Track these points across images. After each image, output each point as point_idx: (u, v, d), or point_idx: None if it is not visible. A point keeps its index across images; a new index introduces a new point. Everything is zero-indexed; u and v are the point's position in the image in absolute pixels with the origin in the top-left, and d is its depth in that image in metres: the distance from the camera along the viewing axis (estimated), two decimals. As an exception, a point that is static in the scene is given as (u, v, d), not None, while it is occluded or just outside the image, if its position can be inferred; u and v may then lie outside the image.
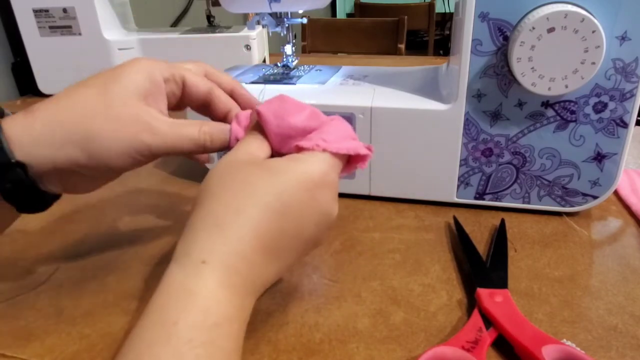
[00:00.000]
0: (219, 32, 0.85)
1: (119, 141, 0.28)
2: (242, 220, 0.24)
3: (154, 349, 0.21)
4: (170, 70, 0.31)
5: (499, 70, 0.38)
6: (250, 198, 0.25)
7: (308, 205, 0.26)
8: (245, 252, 0.24)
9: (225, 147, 0.31)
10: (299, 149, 0.28)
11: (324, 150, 0.28)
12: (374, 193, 0.46)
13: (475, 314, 0.30)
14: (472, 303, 0.32)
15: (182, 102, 0.33)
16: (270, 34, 0.73)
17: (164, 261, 0.38)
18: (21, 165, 0.27)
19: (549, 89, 0.36)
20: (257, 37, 0.84)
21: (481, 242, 0.39)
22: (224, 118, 0.34)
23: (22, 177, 0.27)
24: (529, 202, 0.42)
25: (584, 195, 0.41)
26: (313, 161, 0.27)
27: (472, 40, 0.37)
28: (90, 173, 0.29)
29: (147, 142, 0.28)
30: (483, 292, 0.31)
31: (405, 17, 1.63)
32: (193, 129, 0.30)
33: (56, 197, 0.31)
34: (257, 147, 0.29)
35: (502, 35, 0.37)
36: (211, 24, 0.91)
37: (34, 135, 0.27)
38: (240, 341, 0.24)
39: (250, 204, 0.25)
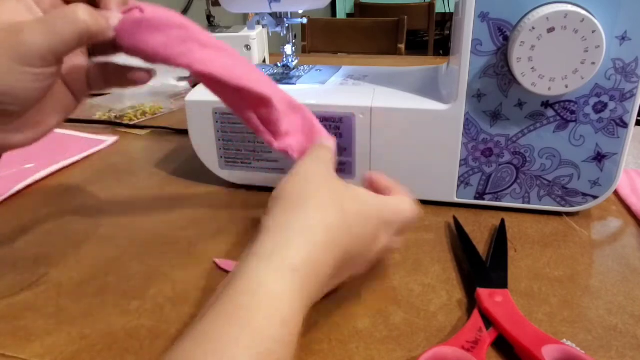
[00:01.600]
0: (219, 32, 0.85)
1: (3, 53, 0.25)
2: (330, 229, 0.26)
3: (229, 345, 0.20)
4: None
5: (499, 70, 0.38)
6: (336, 210, 0.27)
7: (373, 239, 0.30)
8: (328, 262, 0.26)
9: (109, 31, 0.29)
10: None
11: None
12: (374, 193, 0.46)
13: (475, 314, 0.30)
14: (472, 303, 0.32)
15: None
16: (270, 34, 0.73)
17: (164, 261, 0.38)
18: None
19: (549, 89, 0.36)
20: (257, 37, 0.84)
21: (481, 242, 0.39)
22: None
23: None
24: (529, 202, 0.42)
25: (584, 195, 0.41)
26: (392, 206, 0.32)
27: (472, 40, 0.37)
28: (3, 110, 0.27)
29: (18, 41, 0.25)
30: (483, 292, 0.31)
31: (405, 17, 1.63)
32: (64, 10, 0.27)
33: None
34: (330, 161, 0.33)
35: (502, 35, 0.37)
36: (211, 24, 0.91)
37: None
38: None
39: (339, 217, 0.27)
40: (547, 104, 0.38)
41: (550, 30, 0.34)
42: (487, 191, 0.43)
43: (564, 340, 0.28)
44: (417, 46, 2.91)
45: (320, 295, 0.26)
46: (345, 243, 0.27)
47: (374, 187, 0.34)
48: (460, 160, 0.42)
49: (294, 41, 0.54)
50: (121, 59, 0.32)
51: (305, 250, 0.25)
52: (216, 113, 0.46)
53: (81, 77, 0.32)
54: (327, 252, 0.26)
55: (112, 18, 0.29)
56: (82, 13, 0.27)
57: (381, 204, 0.31)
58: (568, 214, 0.43)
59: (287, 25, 0.52)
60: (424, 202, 0.45)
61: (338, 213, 0.27)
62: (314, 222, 0.26)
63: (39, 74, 0.26)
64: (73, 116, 0.31)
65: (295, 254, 0.24)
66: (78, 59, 0.32)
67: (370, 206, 0.30)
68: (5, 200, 0.48)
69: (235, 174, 0.49)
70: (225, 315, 0.22)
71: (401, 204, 0.32)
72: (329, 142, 0.35)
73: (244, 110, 0.33)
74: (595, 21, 0.33)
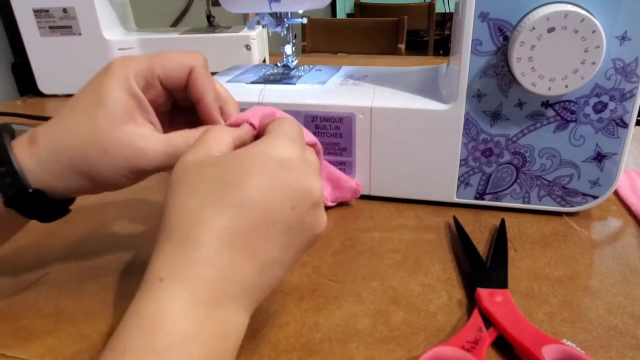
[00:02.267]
0: (219, 32, 0.85)
1: (116, 170, 0.29)
2: (196, 226, 0.23)
3: None
4: (143, 71, 0.30)
5: (499, 70, 0.38)
6: (201, 199, 0.23)
7: (271, 189, 0.24)
8: (208, 258, 0.22)
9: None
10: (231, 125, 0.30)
11: (250, 123, 0.29)
12: (374, 193, 0.46)
13: (475, 314, 0.30)
14: (472, 303, 0.32)
15: (169, 97, 0.32)
16: (270, 34, 0.73)
17: (164, 261, 0.38)
18: (39, 192, 0.28)
19: (549, 89, 0.36)
20: (257, 37, 0.84)
21: (481, 242, 0.39)
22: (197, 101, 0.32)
23: (43, 202, 0.29)
24: (529, 202, 0.42)
25: (584, 195, 0.41)
26: (267, 142, 0.25)
27: (472, 40, 0.37)
28: (101, 192, 0.31)
29: (142, 166, 0.29)
30: (483, 292, 0.31)
31: (405, 17, 1.63)
32: (182, 139, 0.30)
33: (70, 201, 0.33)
34: (212, 141, 0.27)
35: (502, 35, 0.37)
36: (211, 24, 0.91)
37: (42, 165, 0.28)
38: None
39: (201, 206, 0.23)
40: (547, 104, 0.38)
41: (550, 30, 0.34)
42: (487, 191, 0.43)
43: (564, 340, 0.28)
44: (417, 46, 2.91)
45: (241, 285, 0.23)
46: (224, 224, 0.23)
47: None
48: (460, 160, 0.42)
49: (294, 41, 0.54)
50: None
51: (169, 258, 0.22)
52: (216, 113, 0.46)
53: None
54: (196, 247, 0.22)
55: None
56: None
57: (253, 155, 0.25)
58: (568, 214, 0.43)
59: (287, 25, 0.52)
60: (424, 202, 0.45)
61: (198, 198, 0.23)
62: (170, 227, 0.23)
63: (148, 176, 0.30)
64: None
65: (160, 265, 0.22)
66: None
67: (240, 167, 0.24)
68: (5, 200, 0.48)
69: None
70: (106, 349, 0.21)
71: (272, 141, 0.26)
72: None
73: None
74: (595, 21, 0.33)
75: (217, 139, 0.27)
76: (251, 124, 0.30)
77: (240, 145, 0.28)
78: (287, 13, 0.52)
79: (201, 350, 0.21)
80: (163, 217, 0.24)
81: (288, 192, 0.24)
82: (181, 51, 0.31)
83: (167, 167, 0.29)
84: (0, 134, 0.28)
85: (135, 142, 0.28)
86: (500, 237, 0.38)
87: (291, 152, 0.25)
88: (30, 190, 0.28)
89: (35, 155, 0.28)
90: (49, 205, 0.30)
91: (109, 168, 0.29)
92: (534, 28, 0.34)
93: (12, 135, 0.30)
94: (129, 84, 0.29)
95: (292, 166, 0.25)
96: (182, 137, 0.30)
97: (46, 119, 0.64)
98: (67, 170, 0.28)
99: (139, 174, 0.30)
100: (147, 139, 0.29)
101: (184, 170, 0.25)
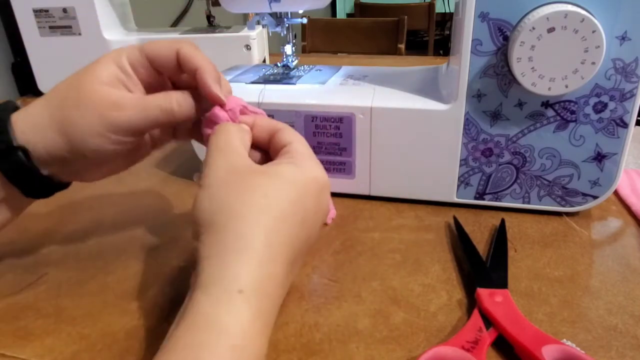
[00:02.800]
0: (219, 32, 0.85)
1: (89, 121, 0.29)
2: (274, 241, 0.25)
3: None
4: (135, 52, 0.32)
5: (499, 70, 0.38)
6: (275, 212, 0.25)
7: (317, 209, 0.28)
8: (277, 275, 0.24)
9: (197, 112, 0.32)
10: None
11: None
12: (374, 193, 0.46)
13: (475, 314, 0.30)
14: (472, 303, 0.32)
15: (159, 79, 0.33)
16: (270, 34, 0.73)
17: (164, 261, 0.38)
18: (23, 149, 0.29)
19: (549, 89, 0.36)
20: (257, 37, 0.84)
21: (481, 242, 0.39)
22: (193, 76, 0.32)
23: (23, 160, 0.29)
24: (529, 202, 0.42)
25: (584, 195, 0.41)
26: (312, 166, 0.29)
27: (472, 40, 0.37)
28: (78, 158, 0.30)
29: (114, 116, 0.29)
30: (483, 292, 0.31)
31: (405, 17, 1.63)
32: (155, 97, 0.31)
33: (63, 184, 0.34)
34: (241, 145, 0.29)
35: (502, 35, 0.37)
36: (211, 24, 0.91)
37: (29, 123, 0.30)
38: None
39: (279, 220, 0.25)
40: (547, 104, 0.38)
41: (550, 30, 0.34)
42: (487, 191, 0.43)
43: (564, 340, 0.28)
44: (417, 46, 2.91)
45: (280, 300, 0.26)
46: (290, 239, 0.25)
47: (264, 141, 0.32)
48: (460, 160, 0.42)
49: (294, 41, 0.54)
50: None
51: (248, 270, 0.23)
52: (216, 113, 0.46)
53: (169, 130, 0.37)
54: (272, 261, 0.24)
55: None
56: (177, 106, 0.31)
57: (309, 177, 0.28)
58: (568, 214, 0.43)
59: (287, 25, 0.52)
60: (424, 202, 0.45)
61: (270, 215, 0.25)
62: (246, 236, 0.24)
63: (122, 141, 0.31)
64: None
65: (239, 276, 0.23)
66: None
67: (301, 185, 0.27)
68: (5, 200, 0.48)
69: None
70: (174, 356, 0.21)
71: (306, 151, 0.30)
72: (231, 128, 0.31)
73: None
74: (595, 21, 0.33)
75: (243, 141, 0.30)
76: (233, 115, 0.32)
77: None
78: (287, 13, 0.52)
79: (255, 355, 0.22)
80: (228, 221, 0.25)
81: (323, 214, 0.29)
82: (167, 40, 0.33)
83: (141, 123, 0.30)
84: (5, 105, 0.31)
85: (109, 96, 0.30)
86: (500, 237, 0.38)
87: (326, 178, 0.30)
88: (15, 145, 0.29)
89: (27, 115, 0.30)
90: (31, 172, 0.30)
91: (82, 123, 0.29)
92: (534, 28, 0.34)
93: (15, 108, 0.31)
94: (119, 60, 0.31)
95: (327, 190, 0.30)
96: (157, 98, 0.31)
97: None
98: (48, 126, 0.29)
99: (112, 131, 0.30)
100: (122, 95, 0.30)
101: (241, 176, 0.27)
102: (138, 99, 0.30)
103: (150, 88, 0.33)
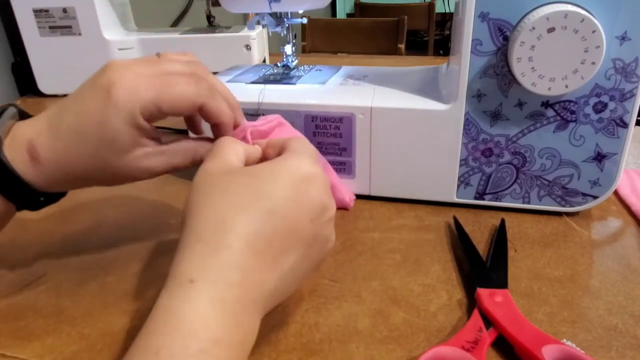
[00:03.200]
0: (219, 32, 0.85)
1: (120, 182, 0.32)
2: (227, 229, 0.23)
3: None
4: (151, 110, 0.29)
5: (499, 70, 0.38)
6: (232, 204, 0.24)
7: (296, 200, 0.25)
8: (237, 261, 0.23)
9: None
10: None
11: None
12: (374, 193, 0.46)
13: (475, 314, 0.30)
14: (472, 303, 0.32)
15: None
16: (270, 34, 0.73)
17: (164, 261, 0.38)
18: (42, 194, 0.31)
19: (549, 89, 0.36)
20: (257, 37, 0.84)
21: (481, 242, 0.39)
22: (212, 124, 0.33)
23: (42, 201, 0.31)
24: (529, 202, 0.42)
25: (584, 195, 0.41)
26: (294, 158, 0.27)
27: (472, 40, 0.37)
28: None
29: (146, 177, 0.32)
30: (483, 292, 0.31)
31: (405, 17, 1.63)
32: (183, 156, 0.33)
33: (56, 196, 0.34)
34: (231, 152, 0.29)
35: (502, 35, 0.36)
36: (211, 24, 0.91)
37: (47, 178, 0.30)
38: None
39: (233, 211, 0.24)
40: (547, 104, 0.38)
41: (550, 30, 0.34)
42: (487, 191, 0.43)
43: (564, 340, 0.28)
44: (417, 46, 2.91)
45: (264, 292, 0.24)
46: (254, 229, 0.24)
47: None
48: (460, 160, 0.42)
49: (294, 41, 0.54)
50: None
51: (200, 260, 0.23)
52: (216, 113, 0.46)
53: None
54: (228, 250, 0.23)
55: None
56: (200, 158, 0.32)
57: (282, 169, 0.26)
58: (568, 214, 0.43)
59: (287, 25, 0.52)
60: (424, 202, 0.45)
61: (228, 206, 0.24)
62: (202, 230, 0.24)
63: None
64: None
65: (191, 267, 0.23)
66: None
67: (273, 179, 0.26)
68: (5, 200, 0.48)
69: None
70: (133, 346, 0.21)
71: (297, 158, 0.27)
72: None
73: None
74: (595, 21, 0.33)
75: (234, 150, 0.29)
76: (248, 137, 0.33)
77: (249, 157, 0.30)
78: (287, 13, 0.52)
79: (228, 354, 0.21)
80: (189, 219, 0.25)
81: (310, 206, 0.26)
82: (186, 78, 0.30)
83: (166, 172, 0.33)
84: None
85: (140, 164, 0.31)
86: (500, 237, 0.38)
87: (315, 169, 0.27)
88: (42, 199, 0.31)
89: (39, 172, 0.29)
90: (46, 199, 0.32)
91: (116, 183, 0.32)
92: (534, 28, 0.34)
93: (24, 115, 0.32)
94: (135, 119, 0.29)
95: (315, 182, 0.27)
96: (183, 154, 0.33)
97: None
98: (74, 181, 0.31)
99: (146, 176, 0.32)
100: (150, 157, 0.31)
101: (212, 177, 0.26)
102: (167, 163, 0.32)
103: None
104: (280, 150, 0.30)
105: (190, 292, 0.22)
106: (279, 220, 0.24)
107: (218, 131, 0.33)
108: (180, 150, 0.32)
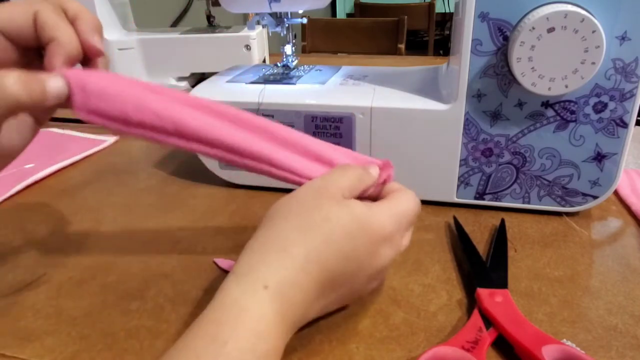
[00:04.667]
0: (219, 32, 0.85)
1: None
2: (309, 251, 0.25)
3: None
4: None
5: (499, 70, 0.38)
6: (323, 232, 0.26)
7: (370, 255, 0.27)
8: (306, 284, 0.25)
9: (53, 100, 0.26)
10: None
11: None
12: (374, 193, 0.46)
13: (475, 314, 0.30)
14: (472, 303, 0.32)
15: (22, 50, 0.28)
16: (270, 34, 0.73)
17: (164, 261, 0.38)
18: None
19: (549, 89, 0.36)
20: (257, 37, 0.84)
21: (481, 242, 0.39)
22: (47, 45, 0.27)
23: None
24: (529, 202, 0.42)
25: (584, 195, 0.41)
26: (384, 215, 0.28)
27: (472, 40, 0.37)
28: None
29: None
30: (483, 292, 0.31)
31: (405, 17, 1.63)
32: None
33: None
34: (346, 180, 0.29)
35: (502, 35, 0.36)
36: (211, 24, 0.91)
37: None
38: None
39: (321, 237, 0.26)
40: (547, 104, 0.38)
41: (550, 30, 0.34)
42: (487, 191, 0.43)
43: (564, 340, 0.28)
44: (417, 46, 2.91)
45: (305, 317, 0.26)
46: (331, 265, 0.26)
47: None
48: (460, 160, 0.42)
49: (294, 41, 0.54)
50: None
51: (279, 271, 0.24)
52: (216, 113, 0.46)
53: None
54: (304, 273, 0.25)
55: (50, 82, 0.25)
56: (12, 83, 0.23)
57: (375, 216, 0.28)
58: (568, 214, 0.43)
59: (287, 25, 0.52)
60: (424, 202, 0.45)
61: (321, 235, 0.26)
62: (291, 243, 0.25)
63: None
64: (73, 116, 0.31)
65: (269, 274, 0.24)
66: None
67: (363, 222, 0.27)
68: (5, 200, 0.48)
69: (235, 174, 0.49)
70: (197, 330, 0.22)
71: (398, 206, 0.29)
72: (358, 168, 0.31)
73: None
74: (595, 21, 0.33)
75: (349, 180, 0.29)
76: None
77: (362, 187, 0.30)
78: (287, 13, 0.52)
79: (272, 349, 0.23)
80: (275, 221, 0.27)
81: (375, 265, 0.28)
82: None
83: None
84: None
85: None
86: (500, 237, 0.38)
87: (397, 235, 0.29)
88: None
89: None
90: None
91: None
92: (534, 28, 0.34)
93: None
94: None
95: (389, 246, 0.28)
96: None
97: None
98: None
99: None
100: None
101: (313, 193, 0.28)
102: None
103: (6, 61, 0.28)
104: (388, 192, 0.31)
105: (263, 297, 0.23)
106: (349, 268, 0.26)
107: (51, 54, 0.27)
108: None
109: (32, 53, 0.29)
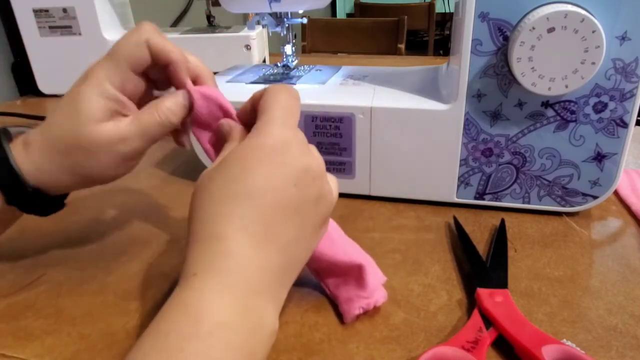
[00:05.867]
0: (219, 32, 0.85)
1: (104, 162, 0.31)
2: (215, 223, 0.25)
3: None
4: (112, 71, 0.31)
5: (499, 70, 0.38)
6: (213, 200, 0.25)
7: (271, 175, 0.25)
8: (232, 248, 0.24)
9: (189, 109, 0.32)
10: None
11: None
12: (374, 193, 0.46)
13: (475, 314, 0.30)
14: (472, 303, 0.32)
15: (149, 79, 0.33)
16: (270, 34, 0.73)
17: (164, 261, 0.38)
18: (37, 190, 0.31)
19: (549, 89, 0.36)
20: (257, 37, 0.84)
21: (481, 242, 0.39)
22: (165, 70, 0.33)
23: (40, 199, 0.32)
24: (529, 202, 0.42)
25: (584, 195, 0.41)
26: (259, 134, 0.26)
27: (472, 40, 0.37)
28: (96, 185, 0.33)
29: (123, 150, 0.31)
30: (483, 292, 0.31)
31: (405, 17, 1.63)
32: (150, 115, 0.31)
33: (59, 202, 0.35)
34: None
35: (502, 35, 0.36)
36: (211, 24, 0.91)
37: (37, 166, 0.31)
38: (249, 350, 0.22)
39: (216, 205, 0.25)
40: (547, 104, 0.38)
41: (550, 30, 0.34)
42: (487, 191, 0.43)
43: (564, 340, 0.28)
44: (417, 46, 2.91)
45: (267, 275, 0.24)
46: (250, 210, 0.24)
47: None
48: (460, 160, 0.42)
49: (294, 41, 0.54)
50: None
51: (196, 252, 0.24)
52: (216, 113, 0.46)
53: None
54: (224, 237, 0.24)
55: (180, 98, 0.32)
56: (172, 115, 0.32)
57: (247, 148, 0.26)
58: (568, 214, 0.43)
59: (287, 25, 0.52)
60: (424, 202, 0.45)
61: (210, 195, 0.25)
62: (197, 229, 0.25)
63: (133, 159, 0.33)
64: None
65: (191, 260, 0.24)
66: None
67: (238, 161, 0.26)
68: (5, 200, 0.48)
69: (235, 174, 0.49)
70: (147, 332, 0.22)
71: (261, 133, 0.26)
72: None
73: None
74: (595, 21, 0.33)
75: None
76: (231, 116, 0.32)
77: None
78: (287, 13, 0.52)
79: (238, 337, 0.22)
80: (188, 225, 0.26)
81: (287, 173, 0.25)
82: (130, 32, 0.32)
83: (146, 142, 0.32)
84: None
85: (112, 135, 0.31)
86: (500, 237, 0.38)
87: (283, 136, 0.26)
88: (30, 190, 0.31)
89: (30, 158, 0.31)
90: (46, 201, 0.33)
91: (95, 163, 0.31)
92: (534, 28, 0.34)
93: (10, 137, 0.32)
94: (104, 88, 0.30)
95: (286, 149, 0.26)
96: (152, 117, 0.32)
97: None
98: (60, 169, 0.31)
99: (125, 161, 0.32)
100: (122, 129, 0.31)
101: (201, 181, 0.27)
102: (137, 125, 0.31)
103: (141, 93, 0.33)
104: (253, 104, 0.30)
105: (194, 283, 0.23)
106: (261, 199, 0.25)
107: (172, 76, 0.32)
108: (149, 110, 0.32)
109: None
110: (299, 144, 0.27)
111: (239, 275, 0.23)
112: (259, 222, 0.24)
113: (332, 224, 0.32)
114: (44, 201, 0.32)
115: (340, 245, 0.31)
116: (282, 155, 0.26)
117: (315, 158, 0.27)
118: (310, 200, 0.26)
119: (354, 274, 0.31)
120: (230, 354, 0.21)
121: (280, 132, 0.26)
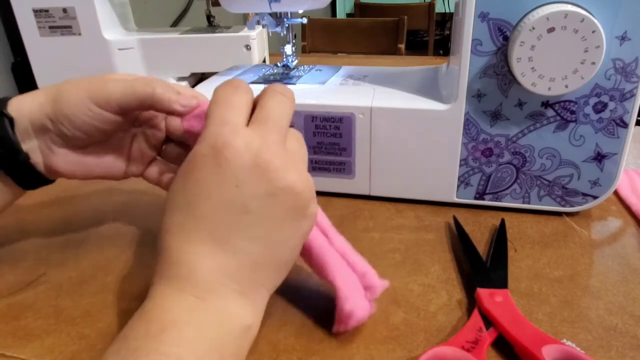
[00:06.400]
0: (219, 32, 0.85)
1: (78, 95, 0.31)
2: (162, 237, 0.26)
3: None
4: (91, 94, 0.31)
5: (499, 70, 0.38)
6: (167, 212, 0.27)
7: (207, 178, 0.25)
8: (177, 258, 0.25)
9: (171, 106, 0.31)
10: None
11: None
12: (374, 193, 0.46)
13: (475, 314, 0.30)
14: (472, 303, 0.32)
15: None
16: (270, 34, 0.73)
17: (163, 261, 0.38)
18: (9, 118, 0.31)
19: (549, 89, 0.36)
20: (257, 37, 0.84)
21: (481, 242, 0.39)
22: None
23: (7, 130, 0.30)
24: (529, 202, 0.42)
25: (584, 195, 0.41)
26: (200, 142, 0.26)
27: (472, 40, 0.37)
28: (60, 133, 0.32)
29: (101, 88, 0.31)
30: (483, 292, 0.31)
31: (405, 17, 1.63)
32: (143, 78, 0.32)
33: (48, 180, 0.34)
34: None
35: (502, 35, 0.37)
36: (211, 24, 0.91)
37: (25, 97, 0.32)
38: (211, 343, 0.23)
39: (164, 220, 0.27)
40: (547, 104, 0.38)
41: (550, 30, 0.34)
42: (487, 191, 0.43)
43: (564, 340, 0.28)
44: (417, 46, 2.91)
45: (221, 272, 0.25)
46: (199, 209, 0.25)
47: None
48: (460, 160, 0.42)
49: (294, 41, 0.54)
50: None
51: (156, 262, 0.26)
52: (216, 113, 0.46)
53: (154, 143, 0.37)
54: (171, 236, 0.26)
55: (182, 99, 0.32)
56: (158, 85, 0.31)
57: (197, 153, 0.26)
58: (568, 214, 0.43)
59: (287, 25, 0.52)
60: (424, 202, 0.45)
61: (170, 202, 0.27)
62: (162, 230, 0.27)
63: (105, 117, 0.31)
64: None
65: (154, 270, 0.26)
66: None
67: (190, 165, 0.26)
68: (5, 200, 0.48)
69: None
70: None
71: (210, 133, 0.26)
72: None
73: None
74: (595, 21, 0.33)
75: None
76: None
77: None
78: (287, 13, 0.52)
79: (194, 333, 0.23)
80: None
81: (226, 174, 0.25)
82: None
83: (123, 102, 0.31)
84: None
85: (100, 77, 0.32)
86: (500, 237, 0.38)
87: (224, 138, 0.25)
88: (4, 111, 0.31)
89: (25, 96, 0.32)
90: (32, 171, 0.33)
91: (72, 93, 0.31)
92: (534, 28, 0.34)
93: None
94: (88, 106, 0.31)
95: (225, 152, 0.25)
96: (141, 79, 0.32)
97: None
98: (40, 96, 0.32)
99: (98, 104, 0.31)
100: (111, 76, 0.32)
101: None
102: (125, 78, 0.32)
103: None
104: None
105: (151, 292, 0.25)
106: (200, 207, 0.25)
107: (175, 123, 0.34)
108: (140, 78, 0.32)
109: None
110: (245, 140, 0.25)
111: (187, 280, 0.24)
112: (202, 229, 0.25)
113: (315, 233, 0.30)
114: (30, 168, 0.32)
115: (318, 258, 0.30)
116: (215, 159, 0.25)
117: (247, 141, 0.25)
118: (259, 196, 0.25)
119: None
120: (186, 348, 0.22)
121: (215, 133, 0.25)
